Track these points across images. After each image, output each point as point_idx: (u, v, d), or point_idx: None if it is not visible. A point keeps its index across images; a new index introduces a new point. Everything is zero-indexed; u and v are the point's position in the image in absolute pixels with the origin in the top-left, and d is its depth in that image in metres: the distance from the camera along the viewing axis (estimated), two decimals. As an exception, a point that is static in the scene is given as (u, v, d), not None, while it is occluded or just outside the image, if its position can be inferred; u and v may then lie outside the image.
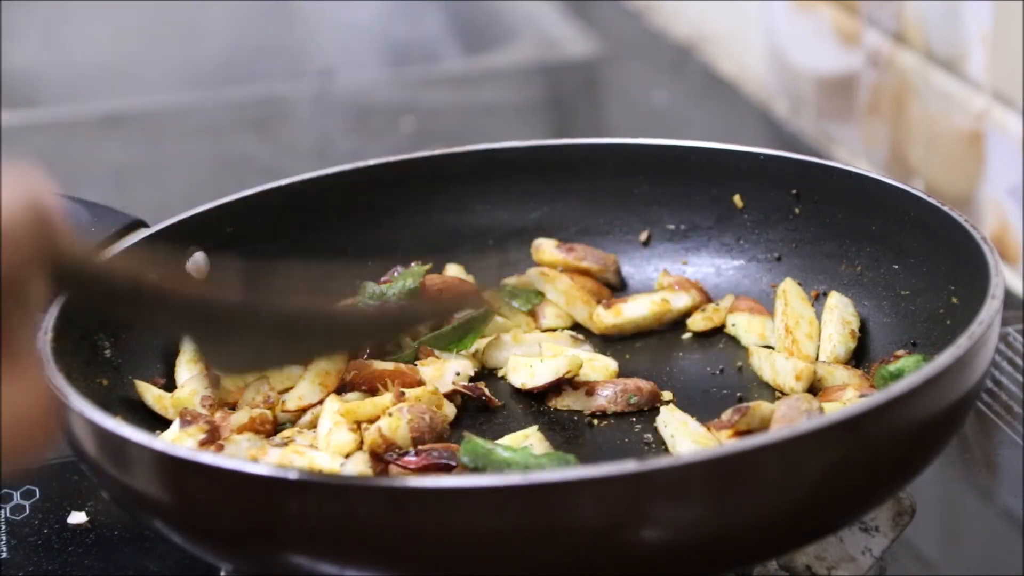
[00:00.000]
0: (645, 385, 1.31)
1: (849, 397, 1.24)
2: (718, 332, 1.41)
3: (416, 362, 1.32)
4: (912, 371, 1.22)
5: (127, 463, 1.07)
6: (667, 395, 1.32)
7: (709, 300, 1.43)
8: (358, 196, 1.47)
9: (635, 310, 1.41)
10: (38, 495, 1.34)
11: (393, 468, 1.19)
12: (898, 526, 1.21)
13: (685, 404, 1.29)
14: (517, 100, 2.29)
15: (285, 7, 2.69)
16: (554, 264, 1.45)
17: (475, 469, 1.14)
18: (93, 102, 2.36)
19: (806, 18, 2.04)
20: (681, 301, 1.42)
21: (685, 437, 1.21)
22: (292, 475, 1.00)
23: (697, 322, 1.41)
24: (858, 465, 1.05)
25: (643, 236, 1.49)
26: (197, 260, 1.39)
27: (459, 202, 1.49)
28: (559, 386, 1.31)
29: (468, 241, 1.50)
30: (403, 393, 1.26)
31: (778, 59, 2.14)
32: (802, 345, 1.34)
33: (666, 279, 1.44)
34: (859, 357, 1.34)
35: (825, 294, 1.39)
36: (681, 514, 1.00)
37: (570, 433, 1.28)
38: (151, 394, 1.29)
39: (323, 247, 1.45)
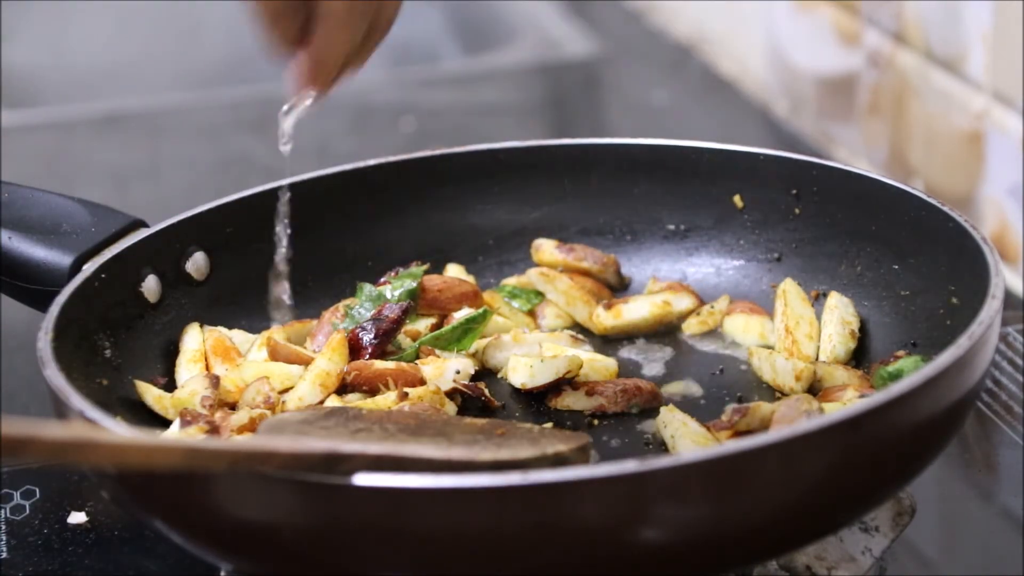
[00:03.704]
0: (645, 385, 1.31)
1: (849, 397, 1.24)
2: (718, 332, 1.41)
3: (417, 361, 1.32)
4: (912, 371, 1.22)
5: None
6: (667, 394, 1.32)
7: (702, 303, 1.43)
8: (358, 196, 1.47)
9: (636, 312, 1.41)
10: (38, 495, 1.34)
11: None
12: (898, 526, 1.21)
13: (685, 404, 1.29)
14: (517, 100, 2.30)
15: (285, 7, 2.68)
16: (554, 264, 1.45)
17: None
18: (93, 102, 2.36)
19: (806, 18, 2.04)
20: (683, 303, 1.42)
21: (685, 437, 1.21)
22: (293, 475, 1.00)
23: (692, 326, 1.41)
24: (858, 465, 1.05)
25: (643, 236, 1.49)
26: (197, 260, 1.39)
27: (459, 202, 1.49)
28: (559, 386, 1.31)
29: (468, 241, 1.50)
30: (406, 393, 1.26)
31: (778, 59, 2.14)
32: (802, 345, 1.34)
33: (656, 285, 1.44)
34: (859, 357, 1.34)
35: (825, 294, 1.39)
36: (681, 514, 1.00)
37: (570, 433, 1.28)
38: (151, 394, 1.29)
39: (323, 247, 1.45)
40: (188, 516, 1.07)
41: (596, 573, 1.01)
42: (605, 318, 1.41)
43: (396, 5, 1.26)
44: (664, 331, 1.42)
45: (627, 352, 1.39)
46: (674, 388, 1.34)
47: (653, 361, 1.38)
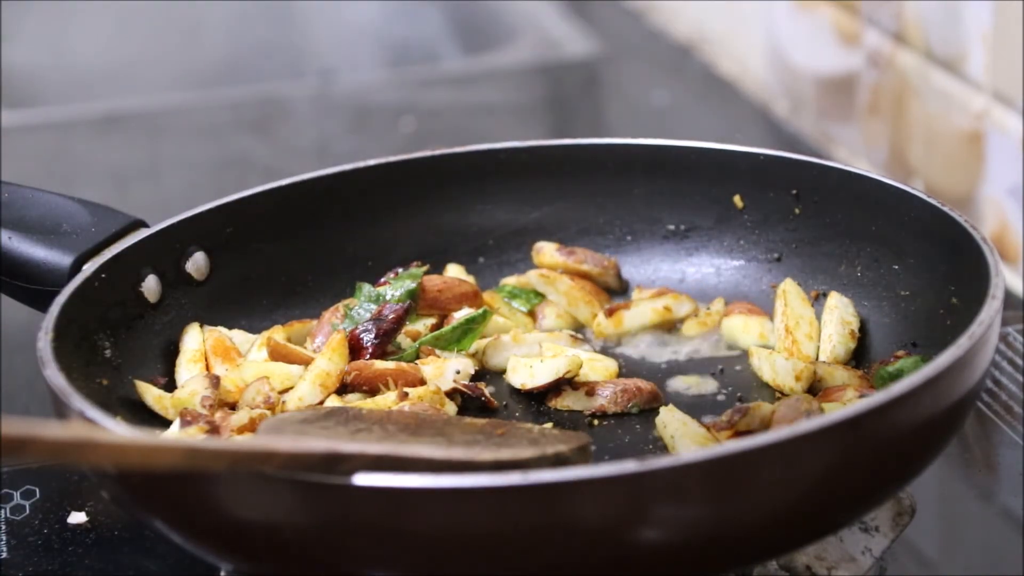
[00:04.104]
0: (645, 385, 1.31)
1: (849, 397, 1.24)
2: (717, 333, 1.41)
3: (417, 361, 1.32)
4: (911, 371, 1.22)
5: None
6: (667, 393, 1.32)
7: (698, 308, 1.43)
8: (358, 196, 1.47)
9: (637, 319, 1.41)
10: (38, 495, 1.34)
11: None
12: (898, 526, 1.21)
13: (685, 404, 1.29)
14: (517, 100, 2.30)
15: (285, 7, 2.69)
16: (554, 267, 1.45)
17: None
18: (93, 102, 2.36)
19: (806, 18, 2.04)
20: (683, 308, 1.42)
21: (685, 437, 1.21)
22: (293, 475, 1.00)
23: (692, 327, 1.41)
24: (858, 465, 1.05)
25: (643, 236, 1.49)
26: (197, 260, 1.39)
27: (459, 202, 1.49)
28: (559, 386, 1.31)
29: (468, 241, 1.50)
30: (406, 393, 1.26)
31: (778, 59, 2.14)
32: (802, 345, 1.34)
33: (641, 293, 1.44)
34: (859, 357, 1.34)
35: (825, 294, 1.39)
36: (681, 514, 1.00)
37: (570, 433, 1.28)
38: (151, 394, 1.29)
39: (323, 247, 1.46)
40: (188, 516, 1.07)
41: (596, 573, 1.01)
42: (606, 326, 1.41)
43: None
44: (664, 332, 1.42)
45: (627, 352, 1.39)
46: (674, 388, 1.34)
47: (653, 361, 1.38)
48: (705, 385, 1.34)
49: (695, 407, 1.29)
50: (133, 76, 2.56)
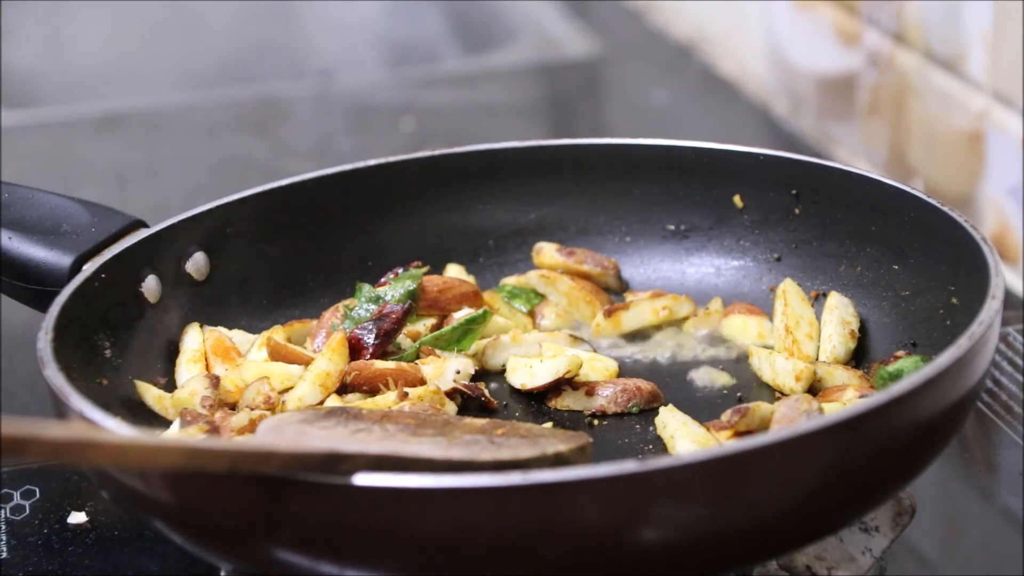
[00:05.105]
0: (645, 385, 1.31)
1: (849, 397, 1.24)
2: (717, 332, 1.41)
3: (417, 361, 1.32)
4: (911, 372, 1.22)
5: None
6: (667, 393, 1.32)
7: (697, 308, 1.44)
8: (358, 196, 1.47)
9: (636, 320, 1.41)
10: (38, 495, 1.34)
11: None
12: (898, 526, 1.21)
13: (685, 404, 1.29)
14: (517, 100, 2.30)
15: (285, 7, 2.69)
16: (554, 267, 1.45)
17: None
18: (93, 102, 2.36)
19: (806, 18, 2.04)
20: (683, 309, 1.42)
21: (685, 437, 1.21)
22: (293, 475, 1.00)
23: (691, 327, 1.41)
24: (858, 465, 1.05)
25: (643, 236, 1.49)
26: (197, 260, 1.39)
27: (459, 202, 1.49)
28: (559, 386, 1.31)
29: (468, 241, 1.50)
30: (406, 392, 1.26)
31: (778, 59, 2.14)
32: (802, 345, 1.34)
33: (634, 296, 1.44)
34: (859, 357, 1.34)
35: (825, 294, 1.39)
36: (681, 514, 1.00)
37: (570, 433, 1.28)
38: (151, 394, 1.29)
39: (323, 247, 1.46)
40: (188, 516, 1.07)
41: (596, 573, 1.01)
42: (605, 326, 1.41)
43: None
44: (663, 332, 1.42)
45: (627, 352, 1.39)
46: (674, 387, 1.34)
47: (652, 361, 1.38)
48: (705, 385, 1.34)
49: (695, 407, 1.29)
50: (133, 76, 2.56)
